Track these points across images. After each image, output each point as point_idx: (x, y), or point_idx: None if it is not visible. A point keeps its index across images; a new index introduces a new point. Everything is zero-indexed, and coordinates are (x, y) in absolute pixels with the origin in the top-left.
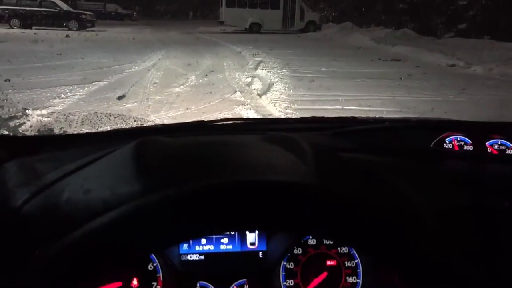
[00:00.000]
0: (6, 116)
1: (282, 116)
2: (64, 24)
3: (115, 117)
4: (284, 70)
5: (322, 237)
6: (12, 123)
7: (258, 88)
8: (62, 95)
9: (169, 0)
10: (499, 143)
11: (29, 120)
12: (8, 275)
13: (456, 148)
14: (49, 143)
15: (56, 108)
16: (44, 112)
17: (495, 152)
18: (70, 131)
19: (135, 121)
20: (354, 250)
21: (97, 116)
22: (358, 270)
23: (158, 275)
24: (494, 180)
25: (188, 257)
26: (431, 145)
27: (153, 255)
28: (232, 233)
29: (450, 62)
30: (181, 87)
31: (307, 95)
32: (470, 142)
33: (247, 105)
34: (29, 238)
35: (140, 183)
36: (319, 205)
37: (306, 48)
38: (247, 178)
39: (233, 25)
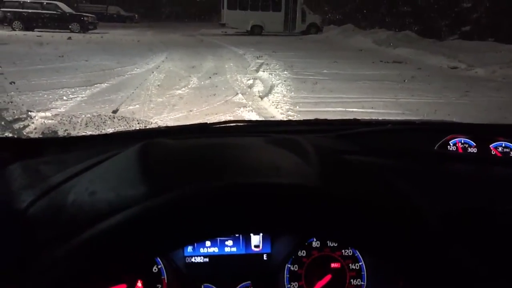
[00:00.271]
0: (11, 118)
1: (284, 118)
2: (66, 26)
3: (119, 119)
4: (285, 72)
5: (326, 239)
6: (16, 126)
7: (260, 90)
8: (65, 97)
9: (171, 3)
10: (503, 145)
11: (33, 123)
12: (15, 277)
13: (460, 151)
14: (53, 146)
15: (59, 110)
16: (48, 114)
17: (499, 154)
18: (74, 133)
19: (138, 123)
20: (358, 253)
21: (101, 118)
22: (363, 273)
23: (162, 277)
24: (498, 182)
25: (193, 260)
26: (435, 148)
27: (158, 258)
28: (237, 235)
29: (452, 64)
30: (183, 89)
31: (309, 97)
32: (474, 144)
33: (248, 107)
34: (35, 240)
35: (145, 185)
36: (323, 207)
37: (307, 50)
38: (251, 181)
39: (234, 27)
